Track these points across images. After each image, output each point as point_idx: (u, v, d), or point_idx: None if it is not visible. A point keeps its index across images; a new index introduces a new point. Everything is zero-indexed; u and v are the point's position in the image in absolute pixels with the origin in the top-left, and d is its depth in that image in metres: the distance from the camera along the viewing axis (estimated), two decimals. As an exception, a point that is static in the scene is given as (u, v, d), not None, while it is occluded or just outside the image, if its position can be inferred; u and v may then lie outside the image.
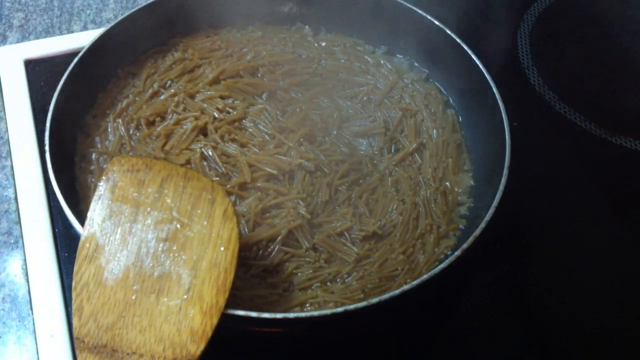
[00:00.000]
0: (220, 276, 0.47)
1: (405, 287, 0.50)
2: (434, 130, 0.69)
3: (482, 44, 0.72)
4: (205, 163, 0.63)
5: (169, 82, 0.70)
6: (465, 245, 0.53)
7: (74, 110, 0.65)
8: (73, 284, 0.46)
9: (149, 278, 0.47)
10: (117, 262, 0.47)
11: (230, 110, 0.67)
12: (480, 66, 0.67)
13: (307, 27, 0.78)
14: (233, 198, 0.60)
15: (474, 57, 0.68)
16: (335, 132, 0.67)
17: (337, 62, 0.74)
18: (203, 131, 0.65)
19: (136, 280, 0.47)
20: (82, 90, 0.65)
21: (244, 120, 0.67)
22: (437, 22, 0.71)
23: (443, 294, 0.61)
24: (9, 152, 0.67)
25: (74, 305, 0.46)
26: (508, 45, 0.84)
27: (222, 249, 0.49)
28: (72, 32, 0.82)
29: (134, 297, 0.46)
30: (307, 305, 0.55)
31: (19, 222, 0.63)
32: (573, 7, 0.90)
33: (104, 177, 0.51)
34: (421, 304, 0.59)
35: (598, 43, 0.86)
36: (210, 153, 0.63)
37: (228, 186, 0.60)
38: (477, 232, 0.53)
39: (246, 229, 0.58)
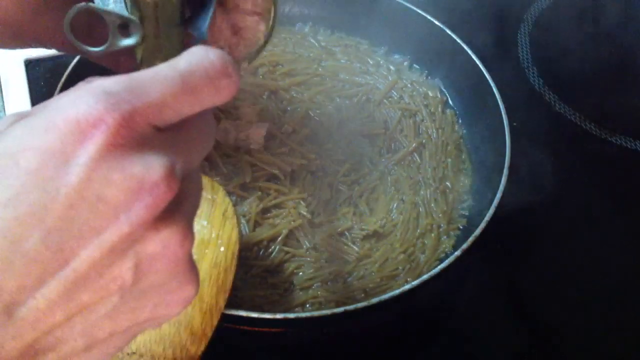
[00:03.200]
0: (221, 276, 0.47)
1: (405, 287, 0.50)
2: (434, 130, 0.69)
3: (482, 44, 0.72)
4: (206, 163, 0.63)
5: (169, 82, 0.70)
6: (465, 245, 0.53)
7: (74, 110, 0.64)
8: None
9: (149, 278, 0.47)
10: (117, 262, 0.47)
11: (232, 110, 0.67)
12: (480, 66, 0.67)
13: (307, 27, 0.78)
14: (234, 198, 0.60)
15: (474, 57, 0.68)
16: (335, 132, 0.67)
17: (337, 63, 0.74)
18: (203, 131, 0.65)
19: (136, 280, 0.47)
20: (82, 90, 0.65)
21: (245, 121, 0.67)
22: (437, 22, 0.71)
23: (443, 293, 0.61)
24: (9, 152, 0.67)
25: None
26: (508, 45, 0.84)
27: (222, 249, 0.48)
28: (72, 32, 0.82)
29: (134, 297, 0.46)
30: (308, 305, 0.55)
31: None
32: (573, 7, 0.90)
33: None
34: (421, 303, 0.59)
35: (598, 43, 0.86)
36: (212, 153, 0.63)
37: (229, 187, 0.60)
38: (477, 232, 0.53)
39: (247, 229, 0.58)
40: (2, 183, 0.22)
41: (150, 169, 0.23)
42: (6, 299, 0.22)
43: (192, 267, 0.26)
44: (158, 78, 0.25)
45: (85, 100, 0.23)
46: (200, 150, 0.27)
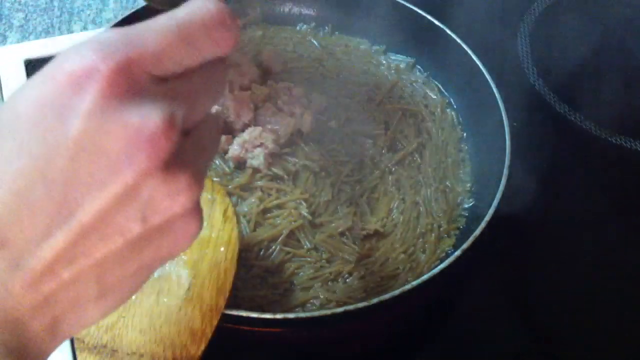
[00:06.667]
0: (221, 277, 0.47)
1: (405, 287, 0.50)
2: (434, 130, 0.69)
3: (482, 43, 0.72)
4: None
5: (169, 82, 0.70)
6: (465, 245, 0.53)
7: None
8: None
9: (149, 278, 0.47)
10: (117, 262, 0.47)
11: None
12: (480, 66, 0.67)
13: (307, 27, 0.78)
14: (234, 198, 0.60)
15: (474, 57, 0.68)
16: (337, 132, 0.67)
17: (337, 62, 0.74)
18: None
19: (137, 280, 0.47)
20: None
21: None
22: (437, 22, 0.71)
23: (443, 293, 0.61)
24: (9, 152, 0.67)
25: (75, 306, 0.46)
26: (508, 45, 0.84)
27: (222, 249, 0.49)
28: (72, 32, 0.82)
29: (134, 298, 0.46)
30: (309, 305, 0.55)
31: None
32: (573, 7, 0.90)
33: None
34: (421, 303, 0.59)
35: (598, 43, 0.86)
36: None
37: (230, 187, 0.60)
38: (477, 232, 0.53)
39: (247, 229, 0.58)
40: (5, 136, 0.22)
41: (147, 118, 0.23)
42: (13, 251, 0.22)
43: (197, 211, 0.26)
44: (155, 27, 0.25)
45: (81, 51, 0.23)
46: (206, 101, 0.27)
